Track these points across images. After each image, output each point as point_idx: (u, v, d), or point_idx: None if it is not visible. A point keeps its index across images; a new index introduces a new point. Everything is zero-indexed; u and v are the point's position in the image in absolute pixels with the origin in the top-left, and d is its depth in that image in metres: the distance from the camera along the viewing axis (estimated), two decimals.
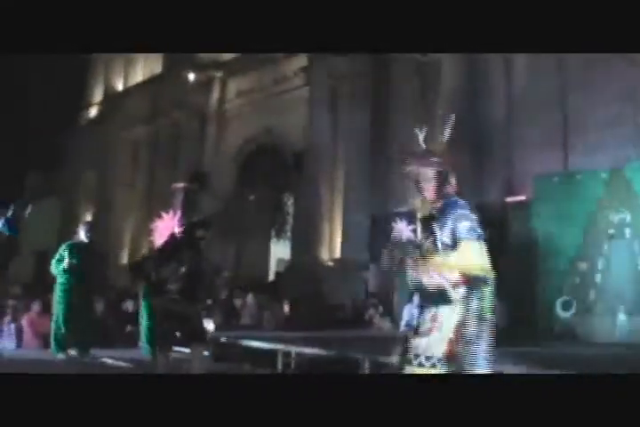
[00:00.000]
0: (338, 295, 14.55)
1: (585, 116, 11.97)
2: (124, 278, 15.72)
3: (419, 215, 4.18)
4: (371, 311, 13.07)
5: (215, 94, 21.38)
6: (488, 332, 3.73)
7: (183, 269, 6.22)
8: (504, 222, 11.57)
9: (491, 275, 3.79)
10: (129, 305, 11.15)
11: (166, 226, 6.67)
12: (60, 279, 8.62)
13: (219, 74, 21.18)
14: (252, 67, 19.46)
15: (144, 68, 25.36)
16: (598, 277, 9.56)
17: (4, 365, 7.98)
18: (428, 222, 4.02)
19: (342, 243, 16.10)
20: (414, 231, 4.33)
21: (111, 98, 26.80)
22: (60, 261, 8.61)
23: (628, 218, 9.43)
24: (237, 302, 12.92)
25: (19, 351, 9.61)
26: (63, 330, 8.51)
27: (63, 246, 8.78)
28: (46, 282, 9.93)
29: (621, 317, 9.24)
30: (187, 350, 6.59)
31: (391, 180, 15.13)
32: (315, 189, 16.71)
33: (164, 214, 7.07)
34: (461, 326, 3.74)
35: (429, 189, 4.03)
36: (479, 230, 3.85)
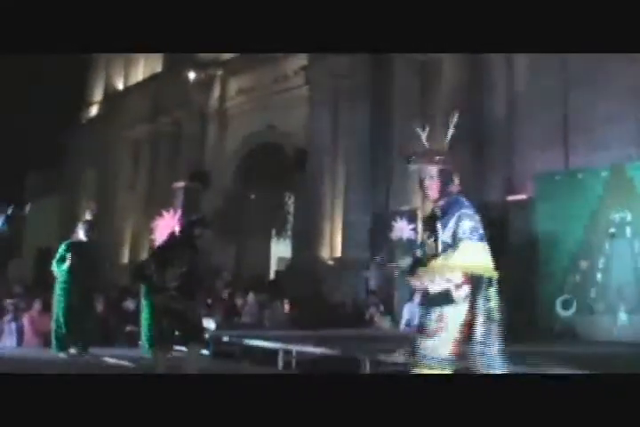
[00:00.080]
0: (338, 294, 14.56)
1: (586, 114, 11.95)
2: (125, 277, 15.72)
3: (419, 214, 4.19)
4: (371, 310, 13.08)
5: (216, 93, 21.37)
6: (498, 332, 3.74)
7: (182, 268, 6.23)
8: (505, 221, 11.58)
9: (494, 275, 3.79)
10: (130, 304, 11.15)
11: (167, 225, 6.69)
12: (60, 278, 8.63)
13: (219, 72, 21.18)
14: (252, 65, 19.44)
15: (145, 67, 25.35)
16: (599, 276, 9.56)
17: (5, 363, 8.00)
18: (431, 221, 4.02)
19: (343, 242, 16.10)
20: (415, 230, 4.33)
21: (112, 97, 26.80)
22: (61, 260, 8.61)
23: (629, 217, 9.43)
24: (238, 301, 12.92)
25: (19, 350, 9.62)
26: (63, 329, 8.53)
27: (63, 246, 8.79)
28: (47, 281, 9.94)
29: (622, 315, 9.25)
30: (186, 349, 6.61)
31: (392, 179, 15.15)
32: (315, 188, 16.71)
33: (164, 213, 7.08)
34: (468, 326, 3.75)
35: (433, 188, 4.02)
36: (481, 231, 3.84)
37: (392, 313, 13.05)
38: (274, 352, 8.20)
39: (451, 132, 4.06)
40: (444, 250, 3.82)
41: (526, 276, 9.92)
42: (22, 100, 28.00)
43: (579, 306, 9.65)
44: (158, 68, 23.90)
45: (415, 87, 15.24)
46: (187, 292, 6.24)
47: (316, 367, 7.63)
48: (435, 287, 3.83)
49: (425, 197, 4.19)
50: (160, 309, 6.48)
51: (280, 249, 19.85)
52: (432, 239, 3.95)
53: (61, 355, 8.51)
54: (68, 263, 8.51)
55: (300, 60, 17.55)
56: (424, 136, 4.14)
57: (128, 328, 10.54)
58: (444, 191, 4.00)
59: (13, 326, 10.13)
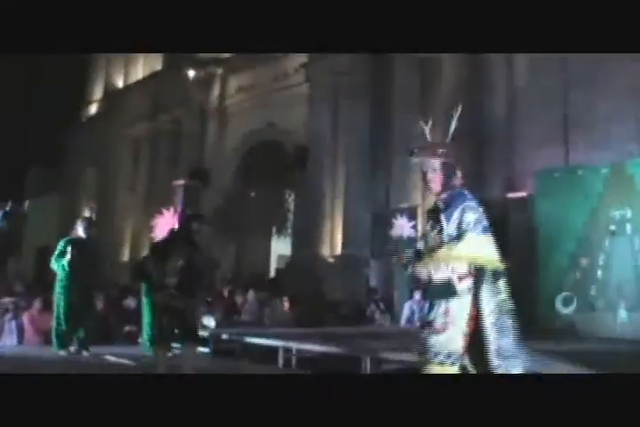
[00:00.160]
0: (339, 292, 14.57)
1: (586, 112, 11.95)
2: (126, 276, 15.73)
3: (419, 211, 4.20)
4: (372, 308, 13.10)
5: (216, 91, 21.36)
6: (511, 323, 3.74)
7: (180, 263, 6.24)
8: (505, 219, 11.57)
9: (500, 267, 3.80)
10: (130, 302, 11.15)
11: (167, 222, 6.69)
12: (59, 276, 8.63)
13: (219, 70, 21.17)
14: (252, 63, 19.43)
15: (144, 65, 25.35)
16: (599, 273, 9.57)
17: (6, 362, 8.00)
18: (434, 214, 4.03)
19: (343, 239, 16.11)
20: (415, 228, 4.34)
21: (112, 95, 26.80)
22: (60, 256, 8.60)
23: (629, 214, 9.44)
24: (238, 299, 12.92)
25: (20, 348, 9.62)
26: (64, 326, 8.52)
27: (62, 242, 8.78)
28: (47, 279, 9.94)
29: (622, 313, 9.25)
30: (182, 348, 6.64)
31: (392, 176, 15.14)
32: (315, 185, 16.71)
33: (164, 211, 7.08)
34: (474, 319, 3.75)
35: (436, 181, 4.03)
36: (485, 223, 3.85)
37: (392, 311, 13.07)
38: (274, 350, 8.20)
39: (453, 125, 4.07)
40: (449, 242, 3.82)
41: (526, 273, 9.92)
42: (22, 99, 28.02)
43: (579, 303, 9.66)
44: (158, 67, 23.90)
45: (415, 85, 15.23)
46: (186, 289, 6.25)
47: (316, 365, 7.63)
48: (438, 276, 3.83)
49: (428, 190, 4.20)
50: (160, 307, 6.50)
51: (280, 247, 19.86)
52: (435, 232, 3.96)
53: (62, 353, 8.51)
54: (67, 258, 8.50)
55: (300, 57, 17.54)
56: (427, 129, 4.14)
57: (128, 327, 10.54)
58: (447, 184, 4.00)
59: (14, 324, 10.13)
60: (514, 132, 13.34)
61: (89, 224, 9.15)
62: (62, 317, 8.54)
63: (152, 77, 24.16)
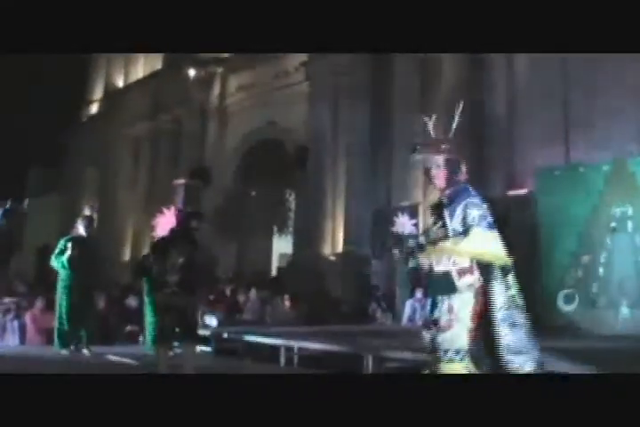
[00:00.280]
0: (340, 290, 14.57)
1: (587, 110, 11.94)
2: (127, 275, 15.73)
3: (420, 209, 4.21)
4: (373, 306, 13.10)
5: (216, 90, 21.35)
6: (522, 317, 3.74)
7: (180, 261, 6.25)
8: (506, 216, 11.56)
9: (507, 262, 3.79)
10: (132, 302, 11.16)
11: (168, 222, 6.68)
12: (61, 275, 8.64)
13: (219, 70, 21.15)
14: (252, 62, 19.42)
15: (145, 64, 25.34)
16: (600, 271, 9.56)
17: (8, 361, 8.01)
18: (437, 209, 4.02)
19: (344, 238, 16.11)
20: (416, 225, 4.34)
21: (112, 95, 26.78)
22: (60, 254, 8.61)
23: (630, 211, 9.42)
24: (240, 298, 12.93)
25: (22, 348, 9.64)
26: (66, 326, 8.53)
27: (62, 241, 8.79)
28: (49, 279, 9.95)
29: (624, 310, 9.24)
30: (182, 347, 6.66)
31: (393, 174, 15.14)
32: (316, 184, 16.71)
33: (165, 210, 7.07)
34: (478, 315, 3.75)
35: (439, 177, 4.03)
36: (490, 219, 3.85)
37: (394, 309, 13.06)
38: (276, 349, 8.21)
39: (456, 121, 4.06)
40: (454, 237, 3.82)
41: (527, 270, 9.91)
42: (22, 99, 28.01)
43: (581, 300, 9.65)
44: (158, 66, 23.89)
45: (415, 84, 15.21)
46: (187, 287, 6.26)
47: (318, 364, 7.63)
48: (440, 268, 3.83)
49: (432, 186, 4.20)
50: (161, 306, 6.51)
51: (282, 246, 19.85)
52: (438, 226, 3.96)
53: (63, 352, 8.52)
54: (67, 255, 8.50)
55: (301, 56, 17.53)
56: (431, 125, 4.13)
57: (130, 326, 10.55)
58: (451, 180, 4.00)
59: (16, 324, 10.14)
60: (514, 131, 13.33)
61: (89, 223, 9.16)
62: (64, 316, 8.55)
63: (152, 77, 24.15)
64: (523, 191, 12.17)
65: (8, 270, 18.31)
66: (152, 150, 23.65)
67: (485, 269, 3.79)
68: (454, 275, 3.79)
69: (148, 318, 8.73)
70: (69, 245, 8.61)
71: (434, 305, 3.91)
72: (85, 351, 8.57)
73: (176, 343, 6.88)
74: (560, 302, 9.79)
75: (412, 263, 4.10)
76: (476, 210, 3.83)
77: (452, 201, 3.93)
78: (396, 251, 4.21)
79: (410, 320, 11.74)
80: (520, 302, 3.78)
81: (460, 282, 3.78)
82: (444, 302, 3.82)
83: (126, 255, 23.22)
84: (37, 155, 28.64)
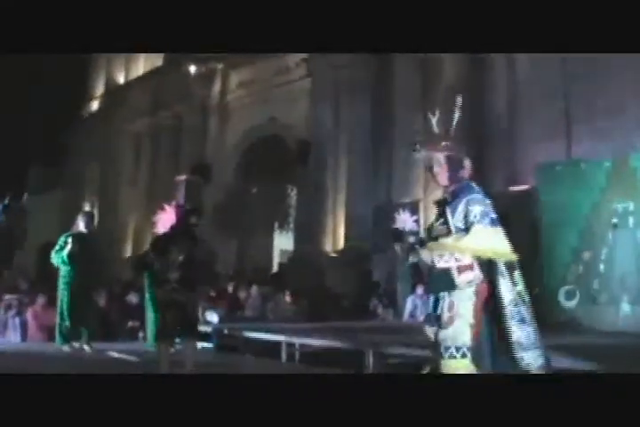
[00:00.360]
0: (341, 286, 14.57)
1: (588, 105, 11.92)
2: (128, 271, 15.74)
3: (421, 206, 4.20)
4: (374, 302, 13.10)
5: (216, 86, 21.34)
6: (531, 314, 3.74)
7: (181, 258, 6.26)
8: (507, 212, 11.54)
9: (512, 258, 3.79)
10: (132, 298, 11.17)
11: (169, 218, 6.68)
12: (62, 272, 8.64)
13: (220, 66, 21.13)
14: (252, 58, 19.39)
15: (145, 61, 25.30)
16: (602, 267, 9.54)
17: (9, 358, 8.02)
18: (440, 206, 4.02)
19: (345, 234, 16.11)
20: (417, 222, 4.34)
21: (113, 91, 26.76)
22: (60, 250, 8.61)
23: (632, 207, 9.40)
24: (241, 294, 12.94)
25: (23, 345, 9.65)
26: (67, 322, 8.55)
27: (62, 237, 8.80)
28: (51, 276, 9.96)
29: (625, 306, 9.23)
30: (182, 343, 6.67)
31: (394, 171, 15.14)
32: (317, 180, 16.70)
33: (166, 206, 7.07)
34: (481, 311, 3.75)
35: (442, 174, 4.01)
36: (493, 215, 3.83)
37: (395, 305, 13.07)
38: (277, 345, 8.21)
39: (456, 116, 4.04)
40: (456, 234, 3.81)
41: (529, 267, 9.90)
42: (23, 97, 28.03)
43: (582, 297, 9.64)
44: (159, 63, 23.86)
45: (417, 80, 15.21)
46: (188, 284, 6.27)
47: (319, 360, 7.64)
48: (441, 263, 3.82)
49: (435, 183, 4.19)
50: (162, 302, 6.51)
51: (283, 242, 19.86)
52: (440, 223, 3.95)
53: (65, 348, 8.54)
54: (67, 251, 8.51)
55: None
56: (434, 120, 4.11)
57: (131, 322, 10.57)
58: (453, 177, 3.98)
59: (17, 320, 10.16)
60: (515, 128, 13.32)
61: (90, 219, 9.17)
62: (65, 313, 8.56)
63: (153, 73, 24.13)
64: (524, 187, 12.16)
65: (10, 267, 18.30)
66: (153, 147, 23.65)
67: (490, 265, 3.78)
68: (454, 271, 3.78)
69: (149, 315, 8.74)
70: (69, 241, 8.62)
71: (436, 301, 3.91)
72: (87, 348, 8.58)
73: (177, 340, 6.89)
74: (561, 299, 9.79)
75: (413, 259, 4.10)
76: (478, 206, 3.82)
77: (455, 198, 3.91)
78: (397, 247, 4.20)
79: (411, 316, 11.75)
80: (527, 297, 3.77)
81: (460, 278, 3.77)
82: (445, 299, 3.82)
83: (127, 251, 23.23)
84: (38, 152, 28.68)
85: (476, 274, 3.78)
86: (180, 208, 6.76)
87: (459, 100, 4.06)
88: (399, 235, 4.20)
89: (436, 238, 3.90)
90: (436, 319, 3.86)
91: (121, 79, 26.93)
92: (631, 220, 9.40)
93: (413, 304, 11.86)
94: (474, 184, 3.99)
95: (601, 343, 7.53)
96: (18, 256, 22.26)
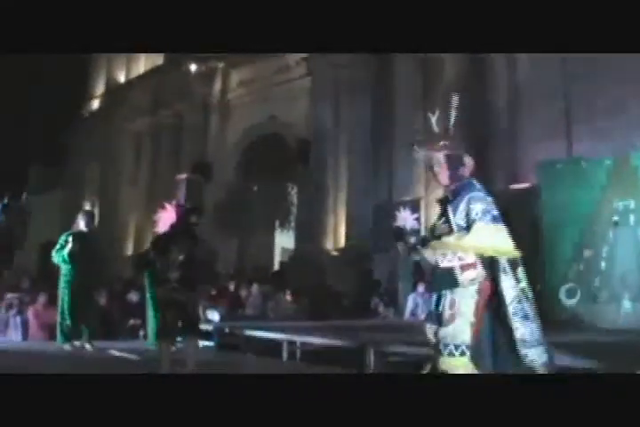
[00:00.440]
0: (342, 285, 14.58)
1: (589, 104, 11.92)
2: (129, 270, 15.76)
3: (422, 204, 4.20)
4: (375, 300, 13.11)
5: (217, 85, 21.35)
6: (534, 311, 3.74)
7: (181, 258, 6.26)
8: (508, 210, 11.54)
9: (516, 255, 3.79)
10: (133, 296, 11.18)
11: (169, 217, 6.68)
12: (63, 271, 8.65)
13: (220, 65, 21.13)
14: (253, 57, 19.40)
15: (146, 60, 25.32)
16: (603, 265, 9.55)
17: (10, 357, 8.03)
18: (442, 204, 4.02)
19: (346, 232, 16.12)
20: (418, 220, 4.34)
21: (113, 90, 26.78)
22: (61, 249, 8.62)
23: (633, 205, 9.41)
24: (242, 293, 12.95)
25: (24, 343, 9.66)
26: (68, 321, 8.55)
27: (63, 236, 8.81)
28: (52, 274, 9.98)
29: (626, 304, 9.24)
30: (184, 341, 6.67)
31: (394, 168, 15.14)
32: (318, 179, 16.71)
33: (167, 205, 7.07)
34: (483, 309, 3.75)
35: (442, 173, 4.01)
36: (494, 212, 3.83)
37: (396, 303, 13.08)
38: (278, 343, 8.22)
39: (453, 115, 4.04)
40: (458, 232, 3.81)
41: (530, 264, 9.90)
42: (23, 96, 28.06)
43: (583, 295, 9.64)
44: (159, 61, 23.87)
45: (417, 78, 15.21)
46: (188, 283, 6.27)
47: (320, 358, 7.64)
48: (445, 262, 3.82)
49: (436, 183, 4.19)
50: (162, 301, 6.52)
51: (284, 240, 19.87)
52: (442, 221, 3.95)
53: (66, 347, 8.54)
54: (67, 250, 8.51)
55: None
56: (434, 120, 4.11)
57: (132, 321, 10.58)
58: (454, 176, 3.98)
59: (18, 319, 10.17)
60: (516, 126, 13.32)
61: (90, 218, 9.17)
62: (66, 311, 8.57)
63: (153, 72, 24.14)
64: (525, 185, 12.16)
65: (10, 267, 18.33)
66: (153, 146, 23.67)
67: (492, 263, 3.78)
68: (457, 269, 3.78)
69: (150, 313, 8.75)
70: (70, 240, 8.63)
71: (438, 299, 3.91)
72: (88, 346, 8.59)
73: (178, 338, 6.90)
74: (562, 296, 9.79)
75: (415, 257, 4.10)
76: (479, 204, 3.81)
77: (456, 196, 3.91)
78: (399, 244, 4.21)
79: (412, 314, 11.76)
80: (530, 294, 3.77)
81: (463, 276, 3.77)
82: (447, 297, 3.82)
83: (128, 250, 23.24)
84: (39, 152, 28.69)
85: (479, 272, 3.78)
86: (180, 207, 6.76)
87: (455, 99, 4.06)
88: (400, 233, 4.20)
89: (438, 237, 3.90)
90: (437, 317, 3.86)
91: (121, 78, 26.94)
92: (632, 218, 9.40)
93: (414, 302, 11.86)
94: (475, 182, 3.99)
95: (602, 341, 7.53)
96: (19, 255, 22.29)
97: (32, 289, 12.05)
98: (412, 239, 4.10)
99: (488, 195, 3.91)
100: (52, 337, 9.07)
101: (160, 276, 6.41)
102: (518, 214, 11.19)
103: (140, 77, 25.15)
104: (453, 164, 3.98)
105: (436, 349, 3.81)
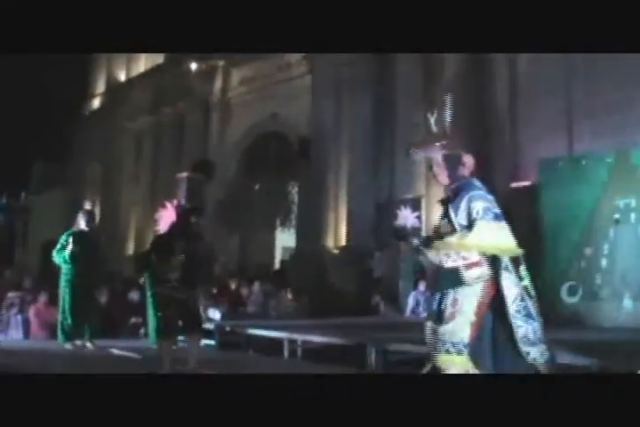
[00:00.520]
0: (343, 283, 14.58)
1: (590, 101, 11.90)
2: (130, 269, 15.76)
3: (423, 202, 4.20)
4: (376, 298, 13.10)
5: (218, 83, 21.31)
6: (537, 309, 3.75)
7: (181, 258, 6.27)
8: (509, 208, 11.53)
9: (518, 253, 3.79)
10: (134, 295, 11.18)
11: (170, 215, 6.69)
12: (64, 270, 8.66)
13: (221, 63, 21.11)
14: (254, 55, 19.37)
15: (146, 58, 25.27)
16: (604, 263, 9.55)
17: (11, 355, 8.03)
18: (444, 204, 4.03)
19: (347, 231, 16.11)
20: (419, 218, 4.34)
21: (114, 89, 26.75)
22: (62, 249, 8.62)
23: (634, 203, 9.41)
24: (243, 291, 12.95)
25: (25, 342, 9.67)
26: (69, 320, 8.56)
27: (63, 236, 8.81)
28: (53, 273, 9.99)
29: (627, 302, 9.24)
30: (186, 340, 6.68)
31: (395, 167, 15.13)
32: (319, 177, 16.70)
33: (168, 204, 7.08)
34: (485, 307, 3.75)
35: (441, 174, 4.02)
36: (496, 210, 3.83)
37: (397, 301, 13.07)
38: (279, 342, 8.22)
39: (449, 114, 4.07)
40: (461, 231, 3.82)
41: (531, 262, 9.90)
42: (24, 96, 28.07)
43: (584, 292, 9.65)
44: (160, 60, 23.84)
45: (418, 74, 15.19)
46: (188, 280, 6.28)
47: (321, 356, 7.65)
48: (449, 263, 3.82)
49: (437, 182, 4.21)
50: (162, 300, 6.53)
51: (285, 239, 19.85)
52: (444, 221, 3.96)
53: (67, 346, 8.55)
54: (68, 250, 8.52)
55: None
56: (433, 120, 4.13)
57: (133, 319, 10.59)
58: (453, 176, 3.99)
59: (19, 318, 10.18)
60: (517, 123, 13.30)
61: (90, 217, 9.17)
62: (68, 310, 8.57)
63: (154, 71, 24.10)
64: (526, 183, 12.15)
65: (10, 266, 18.36)
66: (154, 144, 23.64)
67: (495, 261, 3.78)
68: (462, 269, 3.79)
69: (150, 312, 8.75)
70: (70, 239, 8.63)
71: (441, 298, 3.91)
72: (89, 345, 8.60)
73: (180, 337, 6.91)
74: (563, 294, 9.79)
75: (418, 256, 4.11)
76: (479, 203, 3.82)
77: (457, 196, 3.92)
78: (401, 244, 4.22)
79: (413, 313, 11.76)
80: (533, 292, 3.78)
81: (467, 274, 3.78)
82: (450, 295, 3.82)
83: (129, 249, 23.24)
84: (40, 150, 28.68)
85: (484, 270, 3.78)
86: (180, 207, 6.77)
87: (448, 99, 4.09)
88: (401, 232, 4.21)
89: (442, 238, 3.91)
90: (438, 316, 3.87)
91: (122, 77, 26.91)
92: (633, 215, 9.40)
93: (415, 301, 11.86)
94: (475, 181, 3.99)
95: (602, 339, 7.54)
96: (20, 254, 22.32)
97: (33, 288, 12.07)
98: (414, 238, 4.11)
99: (489, 193, 3.92)
100: (53, 336, 9.08)
101: (160, 275, 6.42)
102: (519, 213, 11.19)
103: (141, 76, 25.12)
104: (452, 163, 3.99)
105: (434, 346, 3.82)
